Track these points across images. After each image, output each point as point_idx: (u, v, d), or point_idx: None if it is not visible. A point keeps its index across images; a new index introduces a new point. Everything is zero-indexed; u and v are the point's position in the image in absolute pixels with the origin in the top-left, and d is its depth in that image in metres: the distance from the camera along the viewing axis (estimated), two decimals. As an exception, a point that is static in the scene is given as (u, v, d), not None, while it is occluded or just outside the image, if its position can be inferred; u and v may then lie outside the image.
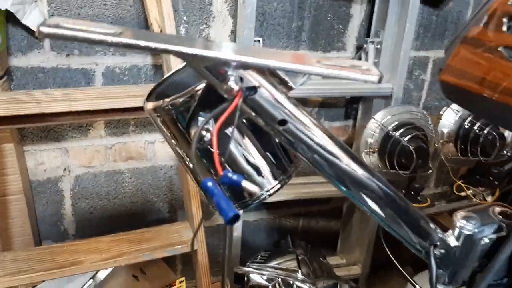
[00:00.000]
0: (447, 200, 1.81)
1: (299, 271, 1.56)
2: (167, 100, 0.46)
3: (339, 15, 1.65)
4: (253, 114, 0.43)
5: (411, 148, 1.45)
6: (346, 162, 0.47)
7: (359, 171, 0.48)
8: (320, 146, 0.46)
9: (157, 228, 1.43)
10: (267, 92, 0.42)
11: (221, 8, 1.50)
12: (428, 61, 1.85)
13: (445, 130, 1.56)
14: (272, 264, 1.61)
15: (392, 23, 1.58)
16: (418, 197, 1.54)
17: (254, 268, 1.58)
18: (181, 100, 0.46)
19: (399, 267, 1.52)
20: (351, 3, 1.65)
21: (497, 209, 0.54)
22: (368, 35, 1.68)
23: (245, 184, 0.40)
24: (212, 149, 0.44)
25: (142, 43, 0.36)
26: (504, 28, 0.60)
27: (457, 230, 0.52)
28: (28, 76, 1.40)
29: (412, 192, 1.55)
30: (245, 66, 0.40)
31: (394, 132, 1.50)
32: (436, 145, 1.54)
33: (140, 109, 1.23)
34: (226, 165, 0.49)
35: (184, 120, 0.46)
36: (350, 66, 0.41)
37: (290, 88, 0.46)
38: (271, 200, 1.68)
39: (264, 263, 1.62)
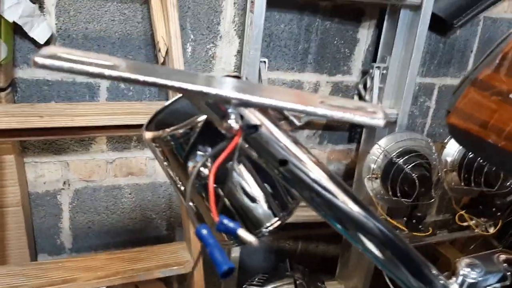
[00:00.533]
0: (449, 230, 1.79)
1: (296, 296, 1.54)
2: (167, 130, 0.45)
3: (345, 39, 1.65)
4: (253, 153, 0.42)
5: (414, 176, 1.44)
6: (342, 199, 0.46)
7: (356, 210, 0.47)
8: (320, 185, 0.45)
9: (154, 247, 1.42)
10: (268, 131, 0.41)
11: (228, 28, 1.50)
12: (433, 88, 1.85)
13: (449, 159, 1.55)
14: (270, 287, 1.59)
15: (399, 49, 1.58)
16: (420, 226, 1.53)
17: (251, 291, 1.56)
18: (181, 131, 0.45)
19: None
20: (358, 28, 1.65)
21: (502, 256, 0.52)
22: (374, 60, 1.68)
23: (241, 233, 0.38)
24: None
25: (141, 77, 0.35)
26: None
27: (460, 278, 0.50)
28: (32, 89, 1.39)
29: (414, 221, 1.53)
30: (246, 104, 0.38)
31: (397, 159, 1.49)
32: (439, 173, 1.52)
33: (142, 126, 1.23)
34: (226, 200, 0.48)
35: (183, 152, 0.45)
36: (355, 107, 0.40)
37: (294, 125, 0.45)
38: (271, 221, 1.68)
39: (261, 286, 1.60)
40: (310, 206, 0.46)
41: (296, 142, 0.44)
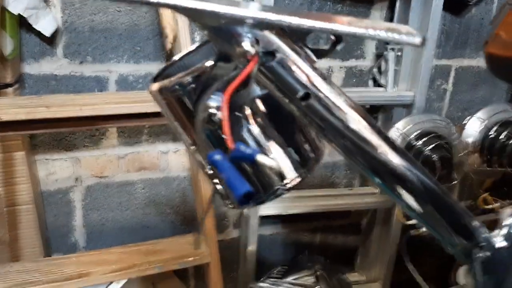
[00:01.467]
0: (473, 214, 1.73)
1: (318, 287, 1.50)
2: (173, 79, 0.42)
3: (357, 22, 1.61)
4: (271, 85, 0.38)
5: (434, 158, 1.38)
6: (381, 150, 0.41)
7: (397, 161, 0.42)
8: (350, 129, 0.40)
9: (169, 239, 1.38)
10: (287, 58, 0.37)
11: (236, 14, 1.47)
12: (450, 70, 1.80)
13: (470, 140, 1.49)
14: (289, 279, 1.56)
15: (413, 30, 1.53)
16: (442, 210, 1.47)
17: (270, 284, 1.53)
18: (189, 78, 0.41)
19: (422, 285, 1.45)
20: (371, 10, 1.61)
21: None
22: (388, 42, 1.63)
23: (261, 158, 0.34)
24: (222, 125, 0.39)
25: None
26: None
27: (505, 229, 0.45)
28: (40, 84, 1.37)
29: (435, 204, 1.48)
30: (263, 25, 0.34)
31: (416, 142, 1.44)
32: (460, 155, 1.47)
33: (153, 114, 1.20)
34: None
35: (191, 100, 0.42)
36: (386, 27, 0.36)
37: (312, 61, 0.41)
38: (288, 213, 1.64)
39: (281, 278, 1.56)
40: (341, 153, 0.42)
41: (323, 76, 0.39)
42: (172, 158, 1.58)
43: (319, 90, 0.39)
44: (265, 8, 0.36)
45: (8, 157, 1.32)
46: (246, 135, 0.44)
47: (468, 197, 1.93)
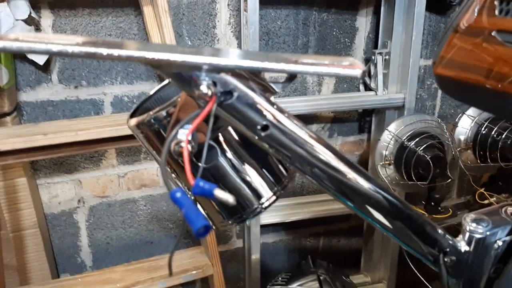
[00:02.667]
0: (470, 210, 1.74)
1: (321, 291, 1.52)
2: (150, 113, 0.45)
3: (344, 29, 1.64)
4: (234, 120, 0.41)
5: (428, 157, 1.41)
6: (350, 176, 0.44)
7: (365, 184, 0.45)
8: (318, 159, 0.43)
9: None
10: (244, 95, 0.40)
11: (225, 30, 1.50)
12: (440, 69, 1.82)
13: (462, 137, 1.51)
14: (294, 285, 1.57)
15: (399, 33, 1.56)
16: (439, 208, 1.49)
17: (275, 291, 1.54)
18: (163, 113, 0.45)
19: (426, 283, 1.47)
20: (356, 16, 1.63)
21: (510, 209, 0.50)
22: (375, 47, 1.66)
23: (218, 193, 0.37)
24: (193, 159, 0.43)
25: (104, 51, 0.34)
26: (497, 12, 0.57)
27: (467, 234, 0.48)
28: (37, 110, 1.41)
29: (432, 203, 1.50)
30: (217, 69, 0.38)
31: (408, 143, 1.46)
32: (453, 153, 1.49)
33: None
34: (213, 178, 0.47)
35: (166, 132, 0.45)
36: (329, 62, 0.39)
37: (274, 92, 0.44)
38: (289, 220, 1.66)
39: (286, 285, 1.57)
40: (310, 179, 0.44)
41: (280, 108, 0.42)
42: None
43: (277, 121, 0.42)
44: (214, 53, 0.39)
45: (10, 184, 1.36)
46: (221, 160, 0.48)
47: (467, 193, 1.95)
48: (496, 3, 0.56)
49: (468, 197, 1.93)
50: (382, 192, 0.45)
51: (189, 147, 0.41)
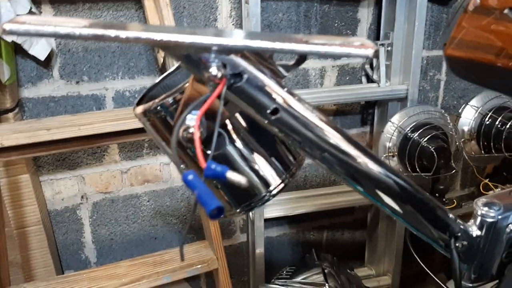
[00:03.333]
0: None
1: (326, 285, 1.52)
2: (156, 101, 0.44)
3: (346, 21, 1.63)
4: (243, 104, 0.40)
5: (431, 148, 1.40)
6: (361, 160, 0.43)
7: (375, 168, 0.44)
8: (328, 143, 0.42)
9: (176, 249, 1.41)
10: (253, 78, 0.39)
11: (226, 23, 1.49)
12: (442, 60, 1.81)
13: (466, 128, 1.51)
14: (299, 279, 1.57)
15: (401, 24, 1.55)
16: (444, 199, 1.49)
17: (279, 285, 1.54)
18: (170, 99, 0.44)
19: (432, 275, 1.46)
20: (358, 8, 1.62)
21: (522, 192, 0.49)
22: (378, 38, 1.65)
23: (230, 175, 0.37)
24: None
25: (112, 33, 0.34)
26: None
27: (478, 219, 0.48)
28: (39, 106, 1.40)
29: (436, 194, 1.49)
30: (226, 50, 0.37)
31: (412, 134, 1.46)
32: (457, 144, 1.48)
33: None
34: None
35: (173, 119, 0.44)
36: (340, 42, 0.38)
37: (282, 76, 0.43)
38: (293, 213, 1.66)
39: (290, 278, 1.57)
40: (319, 164, 0.44)
41: (290, 92, 0.42)
42: (174, 169, 1.61)
43: (287, 104, 0.41)
44: (233, 35, 0.38)
45: (13, 181, 1.35)
46: (230, 148, 0.47)
47: (471, 184, 1.95)
48: (506, -20, 0.55)
49: (472, 189, 1.93)
50: (393, 176, 0.45)
51: (195, 127, 0.41)
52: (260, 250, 1.63)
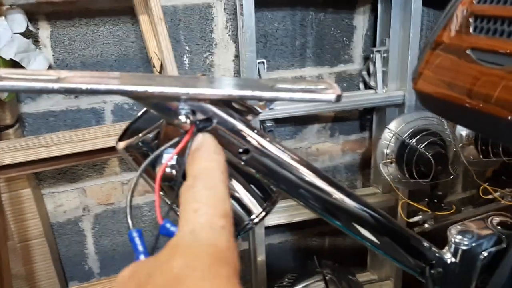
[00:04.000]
0: (474, 205, 1.74)
1: (327, 291, 1.52)
2: (139, 136, 0.45)
3: (342, 28, 1.63)
4: None
5: (429, 155, 1.40)
6: (336, 196, 0.45)
7: (351, 203, 0.45)
8: (304, 180, 0.44)
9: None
10: (223, 121, 0.41)
11: (222, 34, 1.50)
12: (440, 64, 1.81)
13: (464, 133, 1.51)
14: (300, 286, 1.58)
15: (397, 30, 1.55)
16: (442, 205, 1.49)
17: (281, 293, 1.55)
18: (151, 135, 0.45)
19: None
20: (353, 15, 1.63)
21: (496, 219, 0.50)
22: (374, 44, 1.65)
23: None
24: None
25: (84, 86, 0.35)
26: (471, 29, 0.57)
27: (453, 246, 0.49)
28: (39, 121, 1.42)
29: (435, 200, 1.49)
30: (194, 98, 0.39)
31: (409, 140, 1.46)
32: (455, 149, 1.49)
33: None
34: None
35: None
36: (306, 87, 0.39)
37: (257, 113, 0.45)
38: (294, 221, 1.66)
39: (291, 286, 1.58)
40: (296, 200, 0.45)
41: (260, 133, 0.43)
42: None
43: (258, 144, 0.42)
44: (190, 82, 0.40)
45: (15, 196, 1.37)
46: None
47: (471, 188, 1.94)
48: (470, 20, 0.56)
49: (473, 191, 1.92)
50: (368, 210, 0.46)
51: (173, 173, 0.42)
52: (261, 257, 1.65)
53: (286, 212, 1.66)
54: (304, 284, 1.57)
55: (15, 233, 1.42)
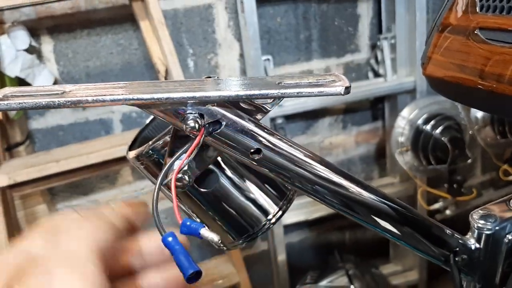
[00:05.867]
0: (495, 187, 1.70)
1: (351, 286, 1.50)
2: (149, 143, 0.44)
3: (346, 18, 1.61)
4: (227, 148, 0.40)
5: (445, 139, 1.37)
6: (353, 190, 0.43)
7: (368, 196, 0.43)
8: (319, 176, 0.42)
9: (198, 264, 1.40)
10: (232, 123, 0.39)
11: (225, 34, 1.49)
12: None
13: (479, 115, 1.47)
14: (324, 283, 1.56)
15: (402, 15, 1.53)
16: (462, 189, 1.46)
17: (305, 291, 1.53)
18: (161, 142, 0.44)
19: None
20: (357, 3, 1.60)
21: (517, 201, 0.48)
22: (380, 32, 1.62)
23: (204, 232, 0.37)
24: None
25: (89, 98, 0.34)
26: (478, 9, 0.54)
27: (476, 232, 0.47)
28: (49, 136, 1.42)
29: (455, 185, 1.46)
30: (200, 102, 0.37)
31: (424, 126, 1.43)
32: (471, 132, 1.45)
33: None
34: (218, 201, 0.46)
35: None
36: (313, 81, 0.37)
37: (266, 111, 0.43)
38: (312, 217, 1.64)
39: (315, 283, 1.56)
40: (311, 197, 0.43)
41: (270, 132, 0.41)
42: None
43: (269, 143, 0.41)
44: (196, 85, 0.39)
45: (30, 212, 1.37)
46: (223, 181, 0.47)
47: (491, 170, 1.90)
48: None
49: (493, 173, 1.88)
50: (386, 201, 0.44)
51: (185, 179, 0.41)
52: (282, 257, 1.63)
53: (303, 208, 1.64)
54: (328, 280, 1.54)
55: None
